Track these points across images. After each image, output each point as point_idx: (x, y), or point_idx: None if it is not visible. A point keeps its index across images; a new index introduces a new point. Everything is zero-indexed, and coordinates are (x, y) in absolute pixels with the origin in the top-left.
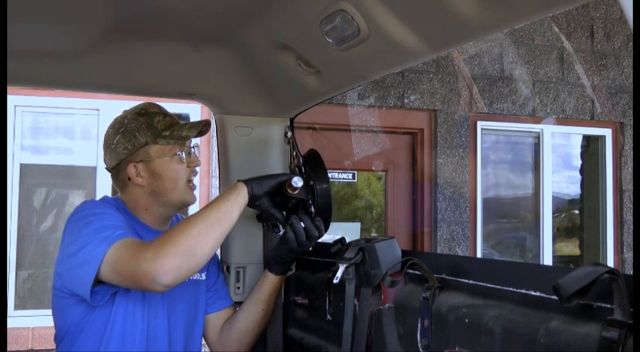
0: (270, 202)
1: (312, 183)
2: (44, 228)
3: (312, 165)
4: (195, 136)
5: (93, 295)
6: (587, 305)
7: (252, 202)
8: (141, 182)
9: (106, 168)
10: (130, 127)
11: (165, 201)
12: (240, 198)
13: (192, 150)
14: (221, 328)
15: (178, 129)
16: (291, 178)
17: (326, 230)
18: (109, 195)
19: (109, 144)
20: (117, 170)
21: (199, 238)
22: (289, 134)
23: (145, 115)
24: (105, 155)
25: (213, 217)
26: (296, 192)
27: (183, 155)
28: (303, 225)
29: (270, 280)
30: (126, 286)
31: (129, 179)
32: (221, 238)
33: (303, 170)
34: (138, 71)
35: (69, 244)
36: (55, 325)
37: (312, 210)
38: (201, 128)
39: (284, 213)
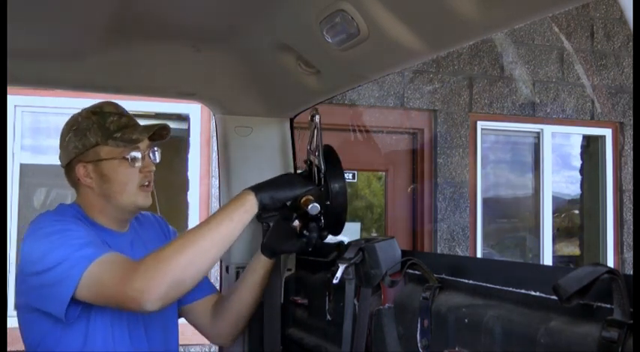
0: (279, 213)
1: (326, 182)
2: None
3: (328, 162)
4: (156, 140)
5: (66, 312)
6: (587, 305)
7: (259, 213)
8: (90, 183)
9: (61, 166)
10: (82, 126)
11: (115, 204)
12: (247, 215)
13: (154, 153)
14: (212, 312)
15: (130, 132)
16: (308, 201)
17: (339, 232)
18: None
19: (61, 142)
20: (68, 169)
21: (191, 266)
22: (316, 118)
23: (98, 114)
24: (60, 153)
25: (210, 241)
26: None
27: (135, 158)
28: (307, 240)
29: (263, 264)
30: (104, 306)
31: (78, 179)
32: (217, 259)
33: (322, 166)
34: (138, 71)
35: (33, 263)
36: (24, 342)
37: (322, 223)
38: (157, 131)
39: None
